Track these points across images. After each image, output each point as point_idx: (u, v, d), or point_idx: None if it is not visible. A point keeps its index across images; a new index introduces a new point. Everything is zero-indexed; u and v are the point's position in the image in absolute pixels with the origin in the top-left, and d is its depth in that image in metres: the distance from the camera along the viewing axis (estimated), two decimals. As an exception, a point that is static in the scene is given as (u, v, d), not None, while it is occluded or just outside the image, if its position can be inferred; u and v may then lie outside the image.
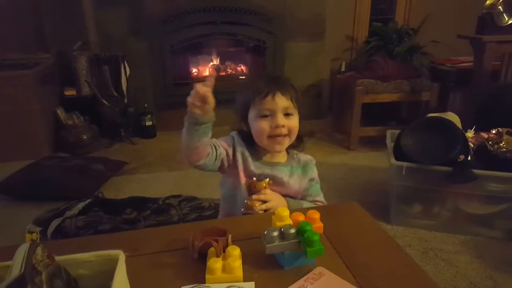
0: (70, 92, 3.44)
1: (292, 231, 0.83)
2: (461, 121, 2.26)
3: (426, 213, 2.16)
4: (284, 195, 1.22)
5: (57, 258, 0.66)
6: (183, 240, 0.90)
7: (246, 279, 0.81)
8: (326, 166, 2.92)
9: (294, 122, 1.18)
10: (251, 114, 1.17)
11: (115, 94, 3.37)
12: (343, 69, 4.03)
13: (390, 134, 2.41)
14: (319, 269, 0.84)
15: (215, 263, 0.81)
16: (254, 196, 1.15)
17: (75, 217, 2.10)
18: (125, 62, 3.36)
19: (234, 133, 1.25)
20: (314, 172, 1.28)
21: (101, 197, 2.44)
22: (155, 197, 2.37)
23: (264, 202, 1.15)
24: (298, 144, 1.25)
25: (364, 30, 4.06)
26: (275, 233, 0.83)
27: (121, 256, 0.67)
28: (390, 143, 2.29)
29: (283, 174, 1.21)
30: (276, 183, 1.20)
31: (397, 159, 2.09)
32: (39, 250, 0.60)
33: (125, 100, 3.43)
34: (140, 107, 3.57)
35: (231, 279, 0.80)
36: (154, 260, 0.89)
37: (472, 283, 1.74)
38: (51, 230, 2.03)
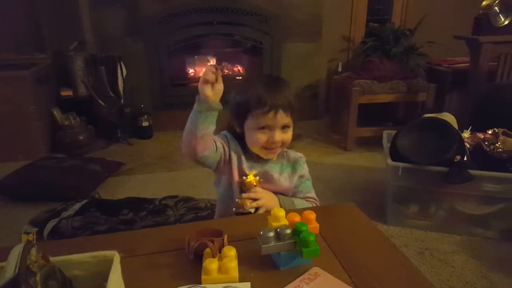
0: (66, 93, 3.43)
1: (288, 231, 0.84)
2: (457, 122, 2.27)
3: (422, 214, 2.17)
4: (275, 193, 1.22)
5: (52, 259, 0.66)
6: (179, 241, 0.90)
7: (242, 279, 0.81)
8: (323, 166, 2.92)
9: (289, 135, 1.19)
10: (249, 123, 1.17)
11: (112, 94, 3.37)
12: (339, 69, 4.04)
13: (387, 135, 2.41)
14: (315, 270, 0.84)
15: (211, 264, 0.80)
16: (244, 195, 1.15)
17: (71, 217, 2.09)
18: (122, 62, 3.36)
19: (226, 132, 1.25)
20: (304, 169, 1.29)
21: (98, 198, 2.43)
22: (151, 198, 2.36)
23: (255, 200, 1.15)
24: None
25: (360, 30, 4.07)
26: (271, 234, 0.83)
27: (116, 257, 0.67)
28: (386, 144, 2.30)
29: (273, 171, 1.23)
30: (266, 180, 1.21)
31: (393, 159, 2.09)
32: (33, 251, 0.60)
33: (122, 101, 3.43)
34: (136, 108, 3.56)
35: (227, 279, 0.80)
36: (150, 260, 0.88)
37: (468, 283, 1.74)
38: (48, 231, 2.02)
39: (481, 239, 2.06)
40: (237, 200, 1.15)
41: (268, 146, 1.17)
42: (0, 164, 2.90)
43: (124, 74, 3.39)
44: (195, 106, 1.07)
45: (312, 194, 1.30)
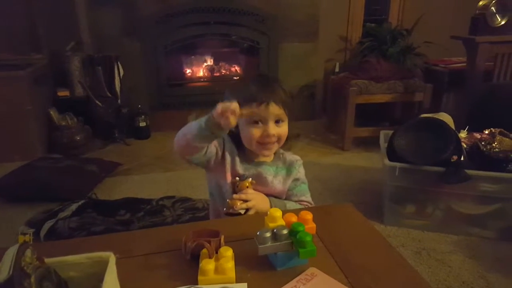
0: (63, 93, 3.42)
1: (285, 232, 0.83)
2: (454, 122, 2.27)
3: (419, 213, 2.17)
4: (268, 195, 1.22)
5: (47, 260, 0.65)
6: (175, 241, 0.90)
7: (238, 280, 0.80)
8: (320, 166, 2.92)
9: (284, 129, 1.19)
10: (243, 119, 1.16)
11: (109, 94, 3.36)
12: (337, 69, 4.04)
13: (384, 135, 2.41)
14: (311, 270, 0.84)
15: (208, 264, 0.80)
16: (235, 196, 1.15)
17: (68, 218, 2.09)
18: (119, 62, 3.36)
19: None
20: (299, 173, 1.28)
21: (95, 198, 2.43)
22: (148, 198, 2.36)
23: (246, 201, 1.15)
24: (284, 143, 1.26)
25: (358, 30, 4.07)
26: (268, 234, 0.83)
27: (112, 258, 0.67)
28: (383, 144, 2.30)
29: (267, 173, 1.22)
30: (260, 182, 1.21)
31: (390, 159, 2.10)
32: (28, 252, 0.60)
33: (119, 101, 3.42)
34: (133, 108, 3.55)
35: (223, 280, 0.80)
36: (146, 261, 0.88)
37: (465, 283, 1.74)
38: (44, 232, 2.01)
39: (478, 239, 2.06)
40: (228, 200, 1.15)
41: (263, 141, 1.17)
42: (-4, 165, 2.89)
43: (121, 74, 3.38)
44: (202, 121, 1.02)
45: (307, 197, 1.29)
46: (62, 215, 2.11)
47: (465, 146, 2.13)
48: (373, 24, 3.91)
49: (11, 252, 0.58)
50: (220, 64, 4.04)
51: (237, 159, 1.21)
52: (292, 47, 3.80)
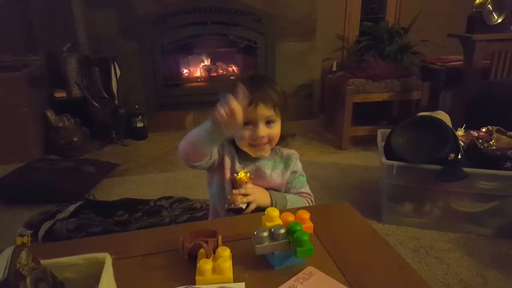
0: (60, 94, 3.42)
1: (282, 231, 0.83)
2: (452, 120, 2.27)
3: (417, 212, 2.17)
4: (268, 189, 1.22)
5: (44, 261, 0.65)
6: (173, 242, 0.90)
7: (236, 280, 0.80)
8: (318, 166, 2.92)
9: (275, 129, 1.19)
10: None
11: (106, 95, 3.36)
12: (334, 68, 4.04)
13: (381, 133, 2.42)
14: (309, 269, 0.84)
15: (205, 264, 0.80)
16: (235, 191, 1.16)
17: (66, 219, 2.08)
18: (115, 63, 3.35)
19: None
20: (297, 165, 1.29)
21: (92, 199, 2.42)
22: (146, 199, 2.36)
23: (246, 196, 1.15)
24: (280, 141, 1.26)
25: (355, 29, 4.07)
26: (265, 234, 0.83)
27: (108, 258, 0.67)
28: (381, 142, 2.30)
29: (266, 167, 1.23)
30: (259, 176, 1.22)
31: (388, 158, 2.10)
32: (23, 254, 0.59)
33: (116, 102, 3.42)
34: (131, 109, 3.55)
35: (221, 280, 0.80)
36: (143, 262, 0.88)
37: (462, 280, 1.75)
38: (42, 233, 2.01)
39: (476, 237, 2.06)
40: (228, 196, 1.16)
41: (254, 143, 1.17)
42: (-7, 166, 2.88)
43: (118, 75, 3.38)
44: (208, 125, 1.00)
45: (306, 189, 1.29)
46: (60, 216, 2.10)
47: (462, 144, 2.13)
48: (370, 23, 3.91)
49: (6, 254, 0.58)
50: (217, 64, 4.03)
51: (236, 158, 1.22)
52: (289, 46, 3.80)
